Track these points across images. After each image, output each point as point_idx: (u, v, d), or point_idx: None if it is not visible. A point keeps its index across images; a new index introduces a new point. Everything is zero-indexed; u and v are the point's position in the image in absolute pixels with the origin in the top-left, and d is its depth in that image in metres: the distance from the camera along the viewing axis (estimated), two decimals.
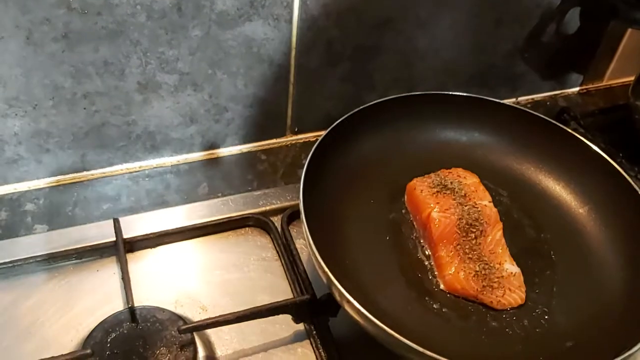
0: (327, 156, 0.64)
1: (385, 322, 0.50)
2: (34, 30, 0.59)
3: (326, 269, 0.53)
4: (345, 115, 0.66)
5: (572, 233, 0.66)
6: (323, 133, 0.78)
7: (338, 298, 0.54)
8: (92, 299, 0.61)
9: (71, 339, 0.58)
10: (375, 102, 0.68)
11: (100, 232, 0.65)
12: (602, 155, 0.67)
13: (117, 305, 0.61)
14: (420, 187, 0.64)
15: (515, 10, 0.78)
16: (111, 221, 0.65)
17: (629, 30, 0.87)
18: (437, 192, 0.64)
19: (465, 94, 0.72)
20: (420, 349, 0.49)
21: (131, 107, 0.68)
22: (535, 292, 0.60)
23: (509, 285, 0.59)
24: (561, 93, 0.92)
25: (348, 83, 0.76)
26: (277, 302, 0.58)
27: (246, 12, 0.65)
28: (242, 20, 0.65)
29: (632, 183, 0.65)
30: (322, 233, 0.57)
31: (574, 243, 0.65)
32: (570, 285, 0.60)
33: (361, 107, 0.67)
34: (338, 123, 0.65)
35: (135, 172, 0.73)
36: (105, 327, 0.57)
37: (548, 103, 0.91)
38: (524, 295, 0.59)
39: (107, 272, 0.64)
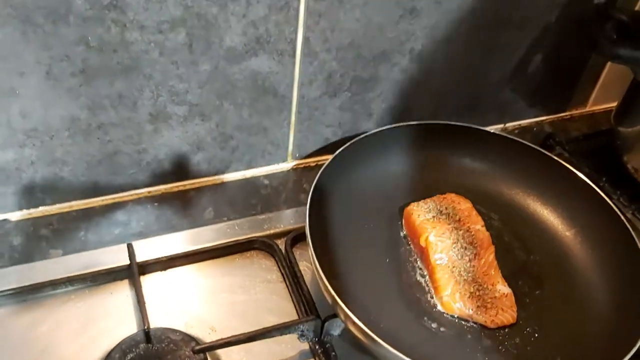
0: (330, 182, 0.68)
1: (386, 341, 0.54)
2: (54, 66, 0.62)
3: (332, 291, 0.57)
4: (347, 144, 0.70)
5: (560, 255, 0.70)
6: (324, 158, 0.82)
7: (342, 318, 0.58)
8: (107, 321, 0.64)
9: None
10: (374, 131, 0.72)
11: (114, 256, 0.68)
12: (586, 181, 0.72)
13: (131, 326, 0.64)
14: (417, 212, 0.68)
15: (504, 43, 0.82)
16: (124, 245, 0.68)
17: None
18: (433, 217, 0.68)
19: (456, 124, 0.77)
20: None
21: (142, 137, 0.71)
22: (526, 311, 0.64)
23: (502, 306, 0.62)
24: (546, 119, 0.97)
25: (347, 112, 0.80)
26: (286, 322, 0.61)
27: (252, 48, 0.69)
28: (249, 56, 0.69)
29: (615, 207, 0.69)
30: (326, 255, 0.61)
31: (561, 265, 0.69)
32: (559, 304, 0.65)
33: (361, 137, 0.71)
34: (340, 151, 0.69)
35: (145, 197, 0.77)
36: (123, 348, 0.60)
37: (535, 128, 0.95)
38: (515, 315, 0.63)
39: (121, 295, 0.67)
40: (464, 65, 0.82)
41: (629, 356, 0.55)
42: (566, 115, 0.98)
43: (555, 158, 0.75)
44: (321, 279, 0.58)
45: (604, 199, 0.70)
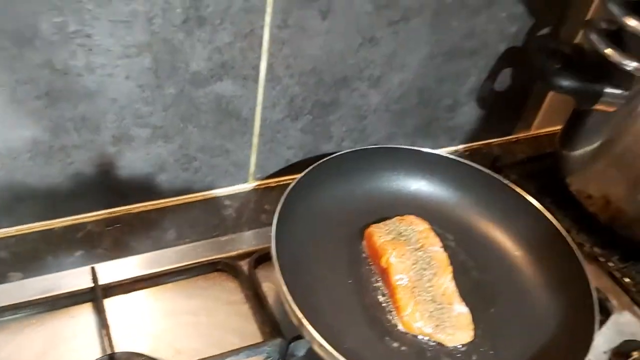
0: (295, 204, 0.69)
1: None
2: (18, 89, 0.61)
3: (298, 313, 0.58)
4: (311, 167, 0.72)
5: (511, 274, 0.74)
6: (285, 179, 0.84)
7: (308, 339, 0.60)
8: (69, 346, 0.63)
9: None
10: (337, 154, 0.75)
11: (75, 280, 0.67)
12: (532, 202, 0.76)
13: (94, 351, 0.63)
14: (378, 234, 0.71)
15: (455, 71, 0.86)
16: (85, 268, 0.68)
17: None
18: (393, 238, 0.70)
19: (413, 148, 0.80)
20: None
21: (104, 158, 0.71)
22: (481, 329, 0.67)
23: (459, 325, 0.65)
24: (494, 142, 1.02)
25: (307, 134, 0.82)
26: (253, 344, 0.62)
27: (217, 73, 0.70)
28: (214, 80, 0.70)
29: (560, 228, 0.74)
30: (292, 277, 0.62)
31: (512, 284, 0.72)
32: (512, 322, 0.68)
33: (325, 160, 0.74)
34: (304, 174, 0.71)
35: (105, 219, 0.76)
36: None
37: (484, 150, 1.00)
38: (472, 333, 0.66)
39: (82, 319, 0.66)
40: (419, 91, 0.86)
41: None
42: (512, 138, 1.03)
43: (504, 181, 0.79)
44: (287, 300, 0.59)
45: (548, 219, 0.75)
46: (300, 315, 0.58)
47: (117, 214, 0.77)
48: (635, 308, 0.78)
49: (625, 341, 0.72)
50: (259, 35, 0.69)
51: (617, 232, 0.84)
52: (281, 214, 0.66)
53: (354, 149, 0.77)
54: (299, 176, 0.71)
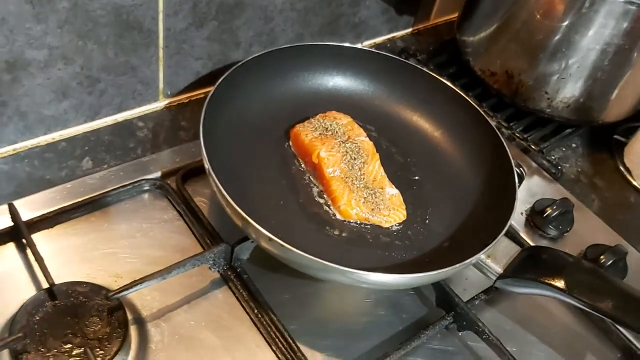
0: (216, 112, 0.67)
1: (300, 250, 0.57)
2: None
3: (241, 212, 0.58)
4: (226, 74, 0.69)
5: (433, 154, 0.77)
6: (197, 93, 0.81)
7: (254, 237, 0.60)
8: None
9: None
10: (250, 58, 0.72)
11: None
12: (445, 83, 0.79)
13: (28, 289, 0.60)
14: (304, 132, 0.71)
15: None
16: (2, 207, 0.63)
17: None
18: (320, 134, 0.71)
19: (325, 43, 0.80)
20: (337, 267, 0.56)
21: (0, 89, 0.65)
22: (412, 206, 0.70)
23: (392, 206, 0.68)
24: (397, 35, 1.03)
25: (215, 42, 0.79)
26: (197, 253, 0.62)
27: None
28: None
29: (474, 103, 0.77)
30: (227, 183, 0.61)
31: (435, 162, 0.76)
32: (440, 196, 0.72)
33: (239, 64, 0.71)
34: (221, 82, 0.69)
35: (10, 155, 0.71)
36: (29, 309, 0.56)
37: (388, 45, 1.01)
38: (405, 212, 0.69)
39: (6, 260, 0.62)
40: None
41: (502, 234, 0.62)
42: (414, 30, 1.05)
43: (418, 66, 0.81)
44: (229, 204, 0.58)
45: (463, 97, 0.77)
46: (244, 215, 0.57)
47: (22, 149, 0.72)
48: (542, 171, 0.85)
49: (538, 200, 0.78)
50: None
51: (519, 104, 0.89)
52: (205, 125, 0.64)
53: (266, 51, 0.75)
54: (215, 84, 0.68)
